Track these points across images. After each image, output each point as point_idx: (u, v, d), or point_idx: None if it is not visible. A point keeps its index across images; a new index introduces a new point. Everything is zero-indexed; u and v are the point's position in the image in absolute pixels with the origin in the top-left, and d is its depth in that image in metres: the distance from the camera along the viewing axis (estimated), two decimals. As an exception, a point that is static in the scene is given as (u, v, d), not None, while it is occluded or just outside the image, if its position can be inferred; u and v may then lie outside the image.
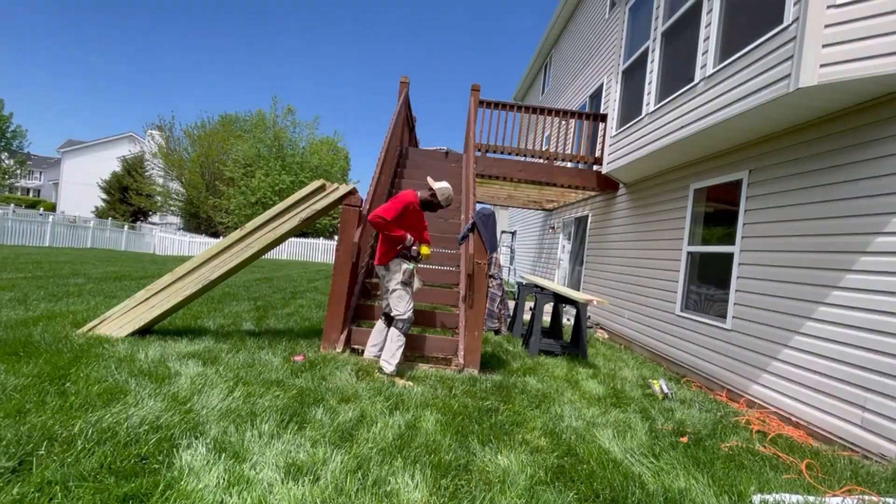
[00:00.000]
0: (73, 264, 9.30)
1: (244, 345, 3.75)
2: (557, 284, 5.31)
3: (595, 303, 4.50)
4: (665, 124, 4.75)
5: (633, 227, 6.31)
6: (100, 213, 30.31)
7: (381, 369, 3.40)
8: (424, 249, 3.70)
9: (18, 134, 30.61)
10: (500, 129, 10.37)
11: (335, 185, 4.15)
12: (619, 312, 6.32)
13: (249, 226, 3.95)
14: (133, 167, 30.54)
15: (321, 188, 4.09)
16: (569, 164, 7.99)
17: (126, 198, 29.79)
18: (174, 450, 1.93)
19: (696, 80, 4.24)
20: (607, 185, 6.94)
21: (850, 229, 3.08)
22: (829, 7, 2.90)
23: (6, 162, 30.08)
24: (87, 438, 1.92)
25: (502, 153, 7.16)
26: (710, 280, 4.60)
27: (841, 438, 2.97)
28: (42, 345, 3.16)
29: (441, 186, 3.71)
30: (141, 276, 8.04)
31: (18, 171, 31.88)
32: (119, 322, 3.70)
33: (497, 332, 5.53)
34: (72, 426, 2.00)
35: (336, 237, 8.31)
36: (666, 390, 3.69)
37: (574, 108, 9.38)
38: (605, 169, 6.56)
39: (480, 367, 3.79)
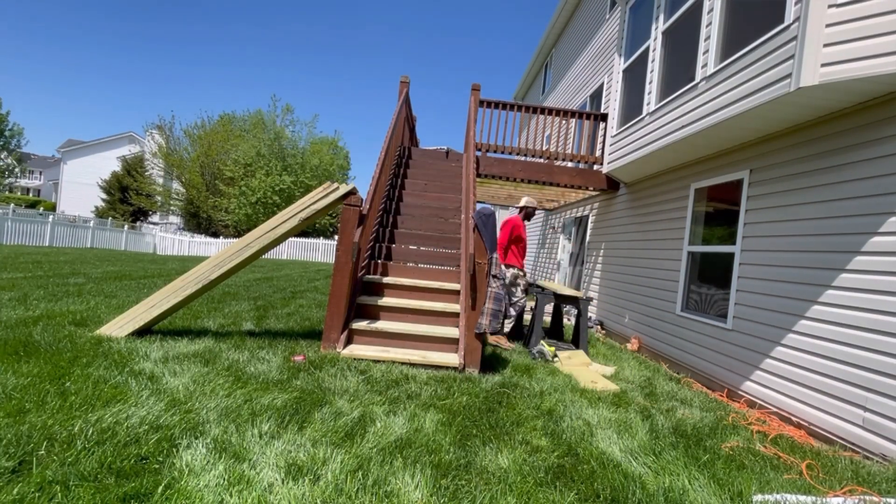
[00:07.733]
0: (72, 264, 9.30)
1: (244, 344, 3.74)
2: (561, 285, 5.27)
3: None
4: (666, 124, 4.74)
5: (634, 227, 6.31)
6: (100, 213, 30.32)
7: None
8: None
9: (16, 132, 30.56)
10: (501, 129, 10.39)
11: (335, 184, 4.14)
12: (621, 313, 6.32)
13: (256, 231, 3.99)
14: (133, 167, 30.56)
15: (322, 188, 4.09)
16: (569, 164, 7.98)
17: (126, 198, 29.79)
18: (174, 449, 1.93)
19: (697, 79, 4.23)
20: (608, 184, 6.93)
21: (852, 229, 3.08)
22: (830, 6, 2.89)
23: (5, 161, 30.05)
24: (88, 438, 1.92)
25: (502, 153, 7.15)
26: (710, 280, 4.60)
27: (842, 438, 2.97)
28: (42, 344, 3.16)
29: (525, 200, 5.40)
30: (141, 276, 8.03)
31: (17, 170, 31.83)
32: (119, 322, 3.71)
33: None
34: (72, 426, 2.00)
35: (336, 237, 8.31)
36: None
37: (574, 108, 9.37)
38: (605, 168, 6.56)
39: (480, 366, 3.79)
